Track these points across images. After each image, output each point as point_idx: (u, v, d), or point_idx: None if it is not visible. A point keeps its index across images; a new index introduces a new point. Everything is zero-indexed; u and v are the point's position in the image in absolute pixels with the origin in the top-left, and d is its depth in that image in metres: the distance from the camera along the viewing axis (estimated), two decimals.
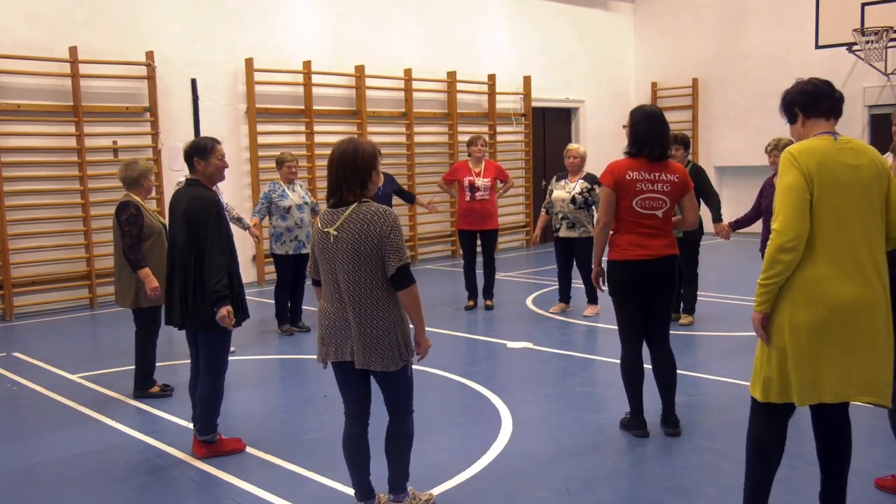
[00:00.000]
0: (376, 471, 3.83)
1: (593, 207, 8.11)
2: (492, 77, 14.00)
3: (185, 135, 10.12)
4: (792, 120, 3.42)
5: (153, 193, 8.96)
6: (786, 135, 3.32)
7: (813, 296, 3.15)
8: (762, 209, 6.51)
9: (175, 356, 7.04)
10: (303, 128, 11.64)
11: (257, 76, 10.97)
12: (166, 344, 7.28)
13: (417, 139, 13.04)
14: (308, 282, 3.91)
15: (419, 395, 3.90)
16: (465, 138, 9.60)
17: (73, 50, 9.43)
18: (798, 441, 4.22)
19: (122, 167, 5.91)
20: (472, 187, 8.69)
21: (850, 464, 3.43)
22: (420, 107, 13.07)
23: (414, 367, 3.78)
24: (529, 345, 7.22)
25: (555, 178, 8.45)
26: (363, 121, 12.09)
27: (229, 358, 4.79)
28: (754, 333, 3.35)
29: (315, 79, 11.63)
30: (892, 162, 4.20)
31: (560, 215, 8.24)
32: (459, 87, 13.56)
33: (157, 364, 6.11)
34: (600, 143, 15.28)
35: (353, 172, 3.51)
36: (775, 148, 6.46)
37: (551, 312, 8.57)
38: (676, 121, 15.69)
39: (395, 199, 8.92)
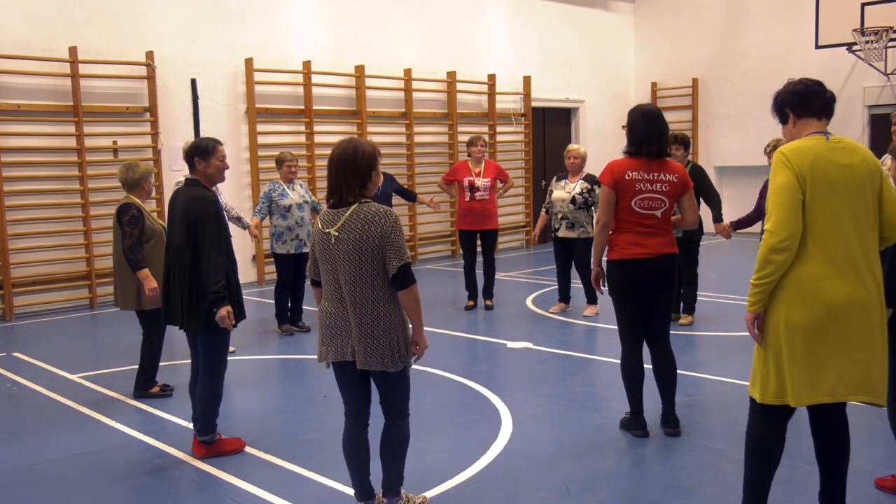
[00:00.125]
0: (376, 471, 3.83)
1: (593, 208, 8.11)
2: (492, 77, 14.00)
3: (185, 135, 10.13)
4: (784, 120, 3.42)
5: (153, 194, 8.97)
6: (831, 133, 3.32)
7: (807, 295, 3.15)
8: (762, 209, 6.51)
9: (175, 356, 7.04)
10: (303, 128, 11.64)
11: (257, 76, 10.97)
12: (166, 344, 7.24)
13: (417, 139, 13.04)
14: (307, 282, 3.91)
15: (419, 396, 3.91)
16: (465, 138, 9.60)
17: (73, 50, 9.44)
18: (797, 441, 4.22)
19: (123, 169, 5.90)
20: (472, 187, 8.69)
21: (850, 463, 3.43)
22: (420, 107, 13.07)
23: (413, 367, 3.78)
24: (529, 345, 7.22)
25: (555, 178, 8.46)
26: (363, 121, 12.09)
27: (229, 358, 4.80)
28: None
29: (315, 79, 11.63)
30: (891, 162, 4.20)
31: (560, 215, 8.24)
32: (459, 87, 13.56)
33: (159, 365, 6.11)
34: (600, 143, 15.29)
35: (353, 172, 3.51)
36: (774, 148, 6.45)
37: (551, 312, 8.57)
38: (676, 121, 15.69)
39: (395, 199, 8.92)
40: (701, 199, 7.39)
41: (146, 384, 5.95)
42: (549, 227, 8.48)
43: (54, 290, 9.59)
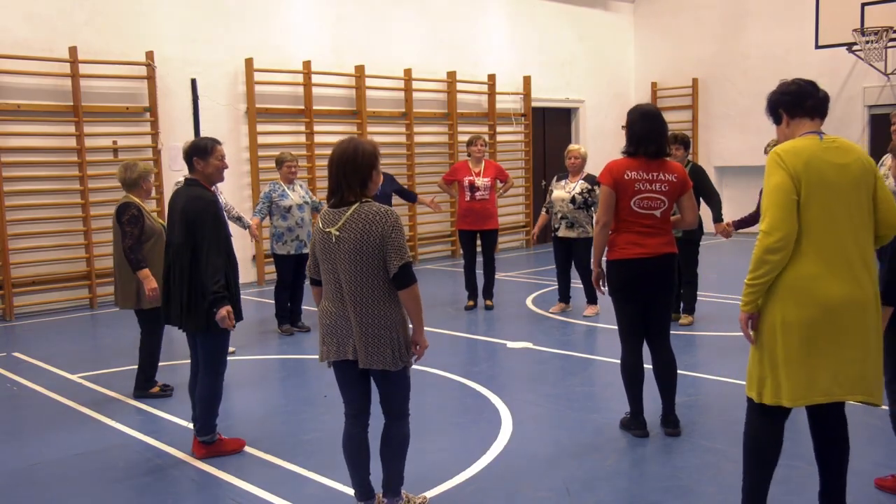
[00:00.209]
0: (376, 471, 3.83)
1: (592, 208, 8.11)
2: (492, 77, 14.00)
3: (185, 135, 10.12)
4: (777, 121, 3.44)
5: (153, 194, 8.97)
6: (825, 133, 3.33)
7: (803, 295, 3.15)
8: None
9: (175, 356, 7.04)
10: (303, 128, 11.64)
11: (257, 76, 10.97)
12: (166, 344, 7.25)
13: (417, 139, 13.04)
14: (307, 282, 3.91)
15: (419, 396, 3.91)
16: (465, 138, 9.60)
17: (73, 50, 9.44)
18: (797, 441, 4.22)
19: (122, 169, 5.91)
20: (472, 187, 8.69)
21: (849, 462, 3.43)
22: (420, 107, 13.07)
23: (414, 367, 3.78)
24: (529, 345, 7.22)
25: (555, 178, 8.46)
26: (363, 121, 12.09)
27: (229, 358, 4.80)
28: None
29: (315, 79, 11.63)
30: (891, 162, 4.20)
31: (559, 215, 8.24)
32: (459, 87, 13.56)
33: (158, 364, 6.11)
34: (600, 143, 15.29)
35: (353, 172, 3.52)
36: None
37: (551, 312, 8.57)
38: (676, 121, 15.69)
39: (395, 199, 8.92)
40: (701, 200, 7.40)
41: (146, 384, 5.95)
42: (548, 226, 8.48)
43: (54, 290, 9.59)
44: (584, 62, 15.80)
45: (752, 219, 6.83)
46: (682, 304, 7.73)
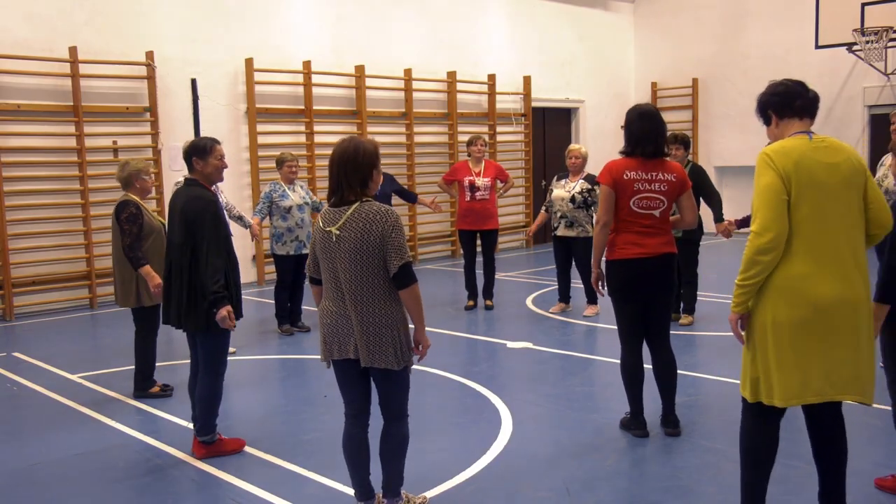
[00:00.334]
0: (376, 471, 3.83)
1: (592, 208, 8.11)
2: (492, 77, 14.00)
3: (185, 135, 10.12)
4: (767, 122, 3.45)
5: (153, 193, 8.96)
6: (815, 133, 3.33)
7: (794, 294, 3.16)
8: None
9: (175, 356, 7.04)
10: (303, 128, 11.64)
11: (257, 76, 10.97)
12: (166, 344, 7.28)
13: (417, 139, 13.04)
14: (307, 281, 3.92)
15: (419, 396, 3.91)
16: (465, 138, 9.60)
17: (73, 50, 9.44)
18: (795, 441, 4.23)
19: (118, 168, 5.94)
20: (473, 187, 8.70)
21: (848, 462, 3.43)
22: (420, 107, 13.07)
23: (414, 367, 3.78)
24: (529, 345, 7.22)
25: (556, 177, 8.46)
26: (363, 121, 12.09)
27: (229, 358, 4.80)
28: None
29: (315, 79, 11.63)
30: (891, 161, 4.20)
31: (559, 214, 8.24)
32: (459, 87, 13.57)
33: (157, 364, 6.11)
34: (600, 143, 15.29)
35: (354, 171, 3.52)
36: None
37: (551, 312, 8.57)
38: (676, 121, 15.69)
39: (395, 199, 8.91)
40: (701, 199, 7.40)
41: (144, 383, 5.95)
42: (547, 226, 8.48)
43: (54, 290, 9.59)
44: (584, 62, 15.80)
45: None
46: (682, 304, 7.73)
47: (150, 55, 9.99)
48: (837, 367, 3.18)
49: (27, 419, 5.65)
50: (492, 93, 14.03)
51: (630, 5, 16.67)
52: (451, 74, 13.36)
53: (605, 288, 4.87)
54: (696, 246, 7.52)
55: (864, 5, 12.87)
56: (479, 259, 8.97)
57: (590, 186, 8.09)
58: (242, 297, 4.74)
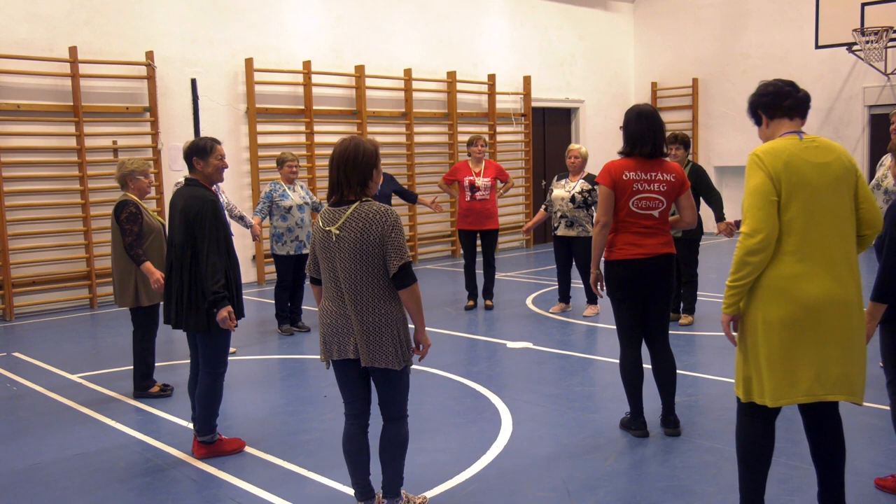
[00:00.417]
0: (376, 471, 3.83)
1: (592, 208, 8.11)
2: (492, 77, 14.00)
3: (185, 135, 10.13)
4: (758, 122, 3.46)
5: (152, 193, 8.96)
6: (805, 132, 3.34)
7: (785, 294, 3.16)
8: None
9: (175, 356, 7.05)
10: (303, 128, 11.64)
11: (257, 76, 10.97)
12: (166, 344, 7.28)
13: (417, 139, 13.04)
14: (307, 281, 3.92)
15: (419, 395, 3.91)
16: (465, 138, 9.60)
17: (73, 50, 9.44)
18: (796, 441, 4.23)
19: (116, 167, 5.95)
20: (473, 187, 8.70)
21: (846, 462, 3.43)
22: (420, 107, 13.07)
23: (414, 367, 3.79)
24: (529, 345, 7.22)
25: (556, 177, 8.46)
26: (363, 121, 12.10)
27: (229, 358, 4.79)
28: None
29: (315, 79, 11.63)
30: (891, 161, 4.20)
31: (559, 214, 8.25)
32: (459, 87, 13.57)
33: (157, 364, 6.12)
34: (600, 143, 15.29)
35: (354, 171, 3.52)
36: None
37: (551, 312, 8.57)
38: (676, 121, 15.70)
39: (395, 199, 8.92)
40: (702, 199, 7.41)
41: (144, 383, 5.95)
42: (547, 226, 8.48)
43: (54, 290, 9.59)
44: (584, 62, 15.80)
45: None
46: (682, 304, 7.74)
47: (150, 55, 9.99)
48: (828, 367, 3.18)
49: (27, 419, 5.65)
50: (492, 93, 14.03)
51: (630, 5, 16.67)
52: (451, 74, 13.37)
53: (604, 289, 4.87)
54: (696, 246, 7.52)
55: (864, 5, 12.87)
56: (480, 259, 8.97)
57: (590, 186, 8.09)
58: (242, 297, 4.74)
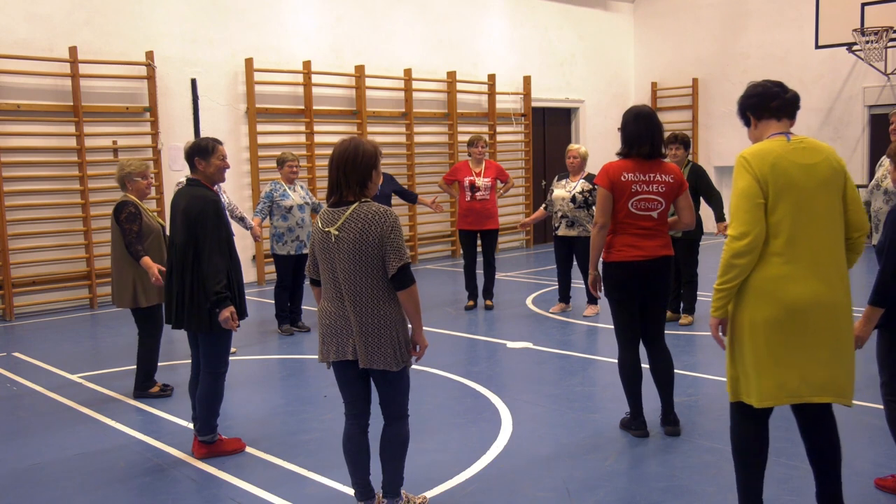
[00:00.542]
0: (376, 471, 3.83)
1: (593, 207, 8.11)
2: (492, 77, 14.00)
3: (185, 135, 10.14)
4: (746, 123, 3.46)
5: (152, 193, 8.96)
6: (793, 133, 3.34)
7: (771, 295, 3.16)
8: None
9: (175, 356, 7.05)
10: (303, 128, 11.64)
11: (257, 76, 10.97)
12: (166, 344, 7.27)
13: (417, 139, 13.04)
14: (307, 281, 3.92)
15: (419, 395, 3.91)
16: (465, 138, 9.61)
17: (73, 50, 9.44)
18: (797, 441, 4.20)
19: (116, 168, 5.96)
20: (473, 187, 8.70)
21: (846, 462, 3.43)
22: (420, 107, 13.07)
23: (414, 366, 3.78)
24: (529, 345, 7.22)
25: (556, 177, 8.47)
26: (363, 121, 12.10)
27: (230, 358, 4.80)
28: None
29: (315, 79, 11.63)
30: (889, 164, 4.18)
31: (560, 214, 8.25)
32: (459, 87, 13.57)
33: (158, 364, 6.11)
34: (600, 143, 15.29)
35: (353, 171, 3.52)
36: None
37: (551, 312, 8.57)
38: (676, 121, 15.70)
39: (395, 199, 8.92)
40: (702, 199, 7.41)
41: (145, 383, 5.95)
42: (547, 226, 8.48)
43: (54, 290, 9.59)
44: (584, 62, 15.80)
45: None
46: (681, 305, 7.74)
47: (150, 55, 9.99)
48: (814, 369, 3.18)
49: (27, 419, 5.65)
50: (492, 93, 14.03)
51: (630, 5, 16.67)
52: (451, 74, 13.37)
53: (602, 290, 4.88)
54: (695, 246, 7.53)
55: (864, 5, 12.87)
56: (480, 259, 8.97)
57: (591, 186, 8.09)
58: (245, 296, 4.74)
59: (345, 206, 3.54)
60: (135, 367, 6.05)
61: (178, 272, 4.55)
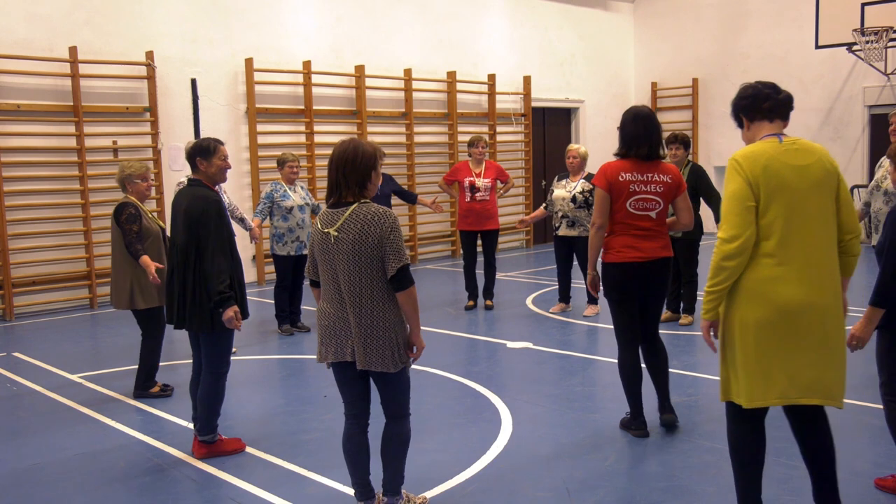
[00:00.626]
0: (376, 471, 3.83)
1: (593, 207, 8.11)
2: (492, 77, 14.00)
3: (185, 135, 10.14)
4: (740, 126, 3.46)
5: (152, 194, 8.96)
6: (786, 135, 3.34)
7: (762, 297, 3.17)
8: None
9: (175, 356, 7.05)
10: (303, 128, 11.64)
11: (257, 76, 10.97)
12: (167, 344, 7.24)
13: (417, 139, 13.04)
14: (307, 282, 3.93)
15: (419, 395, 3.91)
16: (466, 138, 9.62)
17: (73, 50, 9.44)
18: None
19: (117, 169, 5.97)
20: (473, 188, 8.70)
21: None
22: (420, 107, 13.07)
23: (413, 367, 3.79)
24: (529, 345, 7.22)
25: (556, 177, 8.47)
26: (363, 121, 12.10)
27: (231, 358, 4.80)
28: None
29: (315, 79, 11.63)
30: (889, 165, 4.18)
31: (560, 214, 8.25)
32: (459, 87, 13.57)
33: (159, 364, 6.11)
34: (600, 143, 15.27)
35: (352, 172, 3.52)
36: None
37: (551, 312, 8.58)
38: (676, 121, 15.70)
39: (395, 199, 8.92)
40: (701, 200, 7.41)
41: (146, 383, 5.95)
42: (547, 226, 8.48)
43: (54, 290, 9.60)
44: (584, 62, 15.80)
45: None
46: (682, 304, 7.74)
47: (150, 55, 9.99)
48: (802, 371, 3.19)
49: (27, 419, 5.65)
50: (492, 93, 14.03)
51: (630, 5, 16.68)
52: (451, 74, 13.37)
53: (601, 290, 4.90)
54: (695, 246, 7.53)
55: (864, 5, 12.87)
56: (480, 259, 8.97)
57: (591, 186, 8.09)
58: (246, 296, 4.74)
59: (344, 206, 3.54)
60: (135, 366, 6.07)
61: (180, 272, 4.55)
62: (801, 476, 4.09)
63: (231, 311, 4.38)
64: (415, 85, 12.84)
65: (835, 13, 13.18)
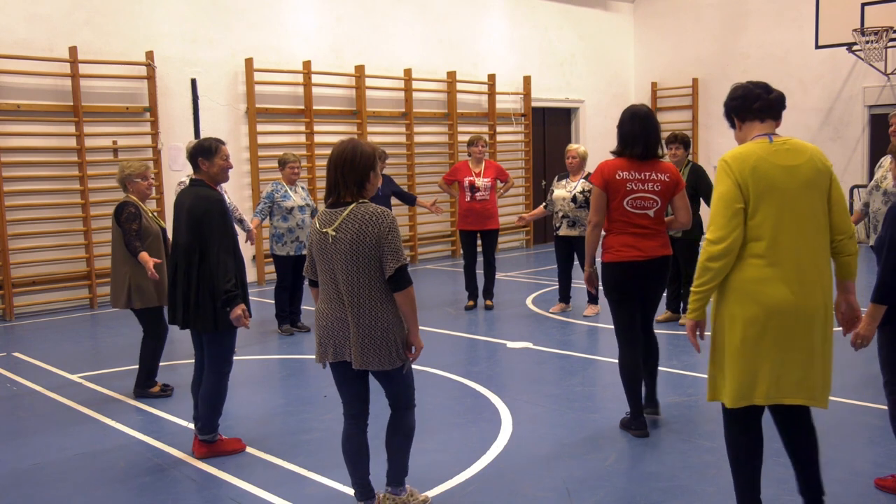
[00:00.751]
0: (376, 470, 3.83)
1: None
2: (492, 77, 14.00)
3: (185, 135, 10.14)
4: (732, 126, 3.46)
5: (153, 194, 8.96)
6: (786, 135, 3.33)
7: (750, 297, 3.17)
8: None
9: (176, 356, 7.05)
10: (303, 128, 11.64)
11: (257, 76, 10.97)
12: (167, 344, 7.24)
13: (417, 139, 13.04)
14: (306, 282, 3.94)
15: (418, 395, 3.91)
16: (465, 138, 9.61)
17: (73, 50, 9.44)
18: None
19: (118, 169, 5.97)
20: (473, 187, 8.70)
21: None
22: (420, 107, 13.07)
23: (413, 367, 3.79)
24: (529, 345, 7.22)
25: (556, 177, 8.47)
26: (363, 121, 12.10)
27: (233, 357, 4.80)
28: None
29: (315, 79, 11.63)
30: (890, 163, 4.19)
31: (560, 214, 8.25)
32: (459, 87, 13.57)
33: (160, 364, 6.11)
34: (600, 143, 15.22)
35: (351, 172, 3.53)
36: None
37: (551, 312, 8.57)
38: (676, 121, 15.70)
39: (395, 200, 8.92)
40: (702, 199, 7.40)
41: (146, 383, 5.95)
42: (548, 226, 8.48)
43: (54, 290, 9.59)
44: (584, 62, 15.80)
45: None
46: (682, 304, 7.73)
47: (150, 55, 9.99)
48: (787, 371, 3.19)
49: (27, 419, 5.65)
50: (492, 93, 14.03)
51: (630, 5, 16.67)
52: (451, 74, 13.37)
53: (599, 288, 4.92)
54: (696, 246, 7.53)
55: (864, 5, 12.87)
56: (480, 259, 8.97)
57: (591, 186, 8.09)
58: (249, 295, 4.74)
59: (342, 206, 3.54)
60: (135, 366, 6.07)
61: (184, 272, 4.55)
62: None
63: (239, 310, 4.38)
64: (415, 85, 12.84)
65: (835, 13, 13.18)
